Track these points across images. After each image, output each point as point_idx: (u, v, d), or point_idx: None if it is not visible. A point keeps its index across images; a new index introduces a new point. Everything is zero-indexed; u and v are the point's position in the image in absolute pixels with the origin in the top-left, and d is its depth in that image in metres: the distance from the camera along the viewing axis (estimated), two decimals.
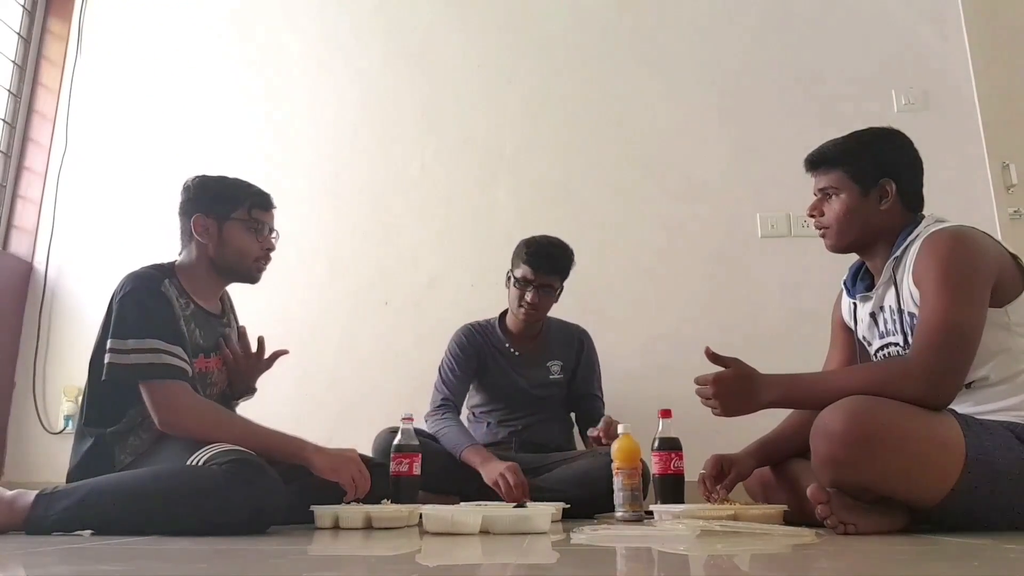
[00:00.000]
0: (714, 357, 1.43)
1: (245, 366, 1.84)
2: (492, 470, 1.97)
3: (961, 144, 2.79)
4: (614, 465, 1.76)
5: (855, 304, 1.58)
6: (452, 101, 3.06)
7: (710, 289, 2.77)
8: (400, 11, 3.18)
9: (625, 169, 2.92)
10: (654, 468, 1.76)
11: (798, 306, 2.69)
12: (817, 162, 1.55)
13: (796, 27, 3.01)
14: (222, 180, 1.76)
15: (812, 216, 1.56)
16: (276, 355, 1.89)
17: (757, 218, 2.80)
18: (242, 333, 1.87)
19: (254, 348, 1.87)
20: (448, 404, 2.27)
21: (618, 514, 1.73)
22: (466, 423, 2.35)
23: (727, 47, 3.02)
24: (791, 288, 2.73)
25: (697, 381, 1.47)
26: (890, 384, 1.29)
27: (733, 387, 1.41)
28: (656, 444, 1.76)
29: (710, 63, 3.00)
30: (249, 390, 1.89)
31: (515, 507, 1.56)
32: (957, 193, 2.65)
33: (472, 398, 2.43)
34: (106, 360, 1.54)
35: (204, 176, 1.76)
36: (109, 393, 1.58)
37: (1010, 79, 2.91)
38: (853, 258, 1.62)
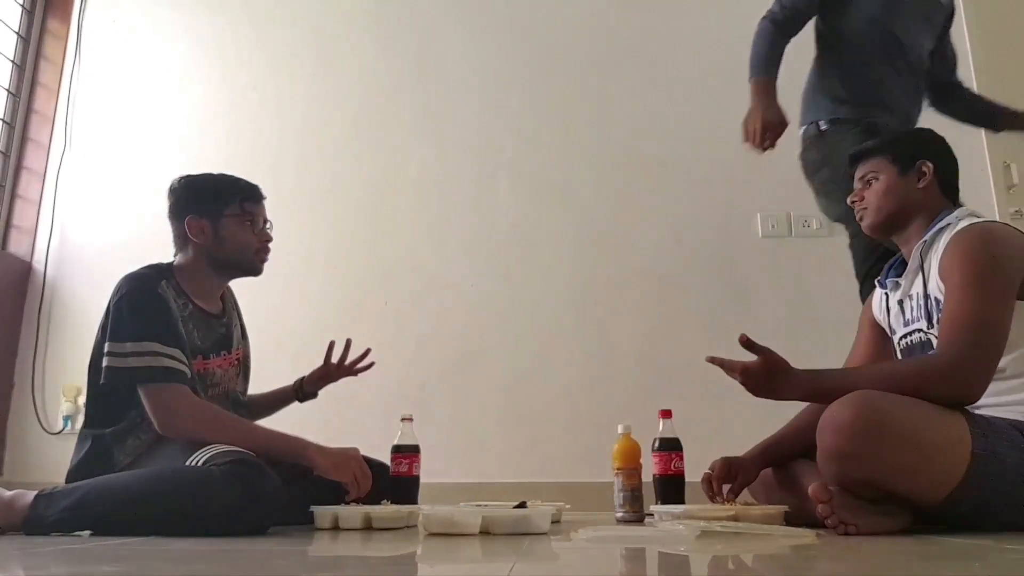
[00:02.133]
0: (748, 344, 1.40)
1: (337, 374, 1.97)
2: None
3: (962, 143, 2.76)
4: (614, 465, 1.76)
5: (887, 295, 1.59)
6: (452, 101, 3.05)
7: (710, 289, 2.76)
8: (400, 11, 3.17)
9: (625, 169, 2.92)
10: (654, 468, 1.75)
11: (798, 306, 2.69)
12: (859, 155, 1.61)
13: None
14: (208, 178, 1.73)
15: (854, 203, 1.60)
16: (358, 369, 1.99)
17: (757, 218, 2.80)
18: (347, 344, 1.96)
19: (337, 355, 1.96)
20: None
21: (618, 514, 1.73)
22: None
23: (727, 47, 3.01)
24: (791, 288, 2.73)
25: (726, 366, 1.43)
26: (919, 382, 1.28)
27: (761, 380, 1.40)
28: (656, 444, 1.76)
29: (710, 63, 3.00)
30: (313, 395, 1.99)
31: (515, 507, 1.56)
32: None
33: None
34: (104, 364, 1.54)
35: (189, 176, 1.73)
36: (109, 395, 1.58)
37: (1011, 78, 2.91)
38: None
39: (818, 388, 1.40)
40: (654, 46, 3.04)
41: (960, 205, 1.53)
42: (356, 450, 1.64)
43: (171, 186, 1.73)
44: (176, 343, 1.57)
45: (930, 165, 1.53)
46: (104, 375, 1.53)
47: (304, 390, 1.97)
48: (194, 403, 1.56)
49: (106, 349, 1.54)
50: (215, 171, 1.78)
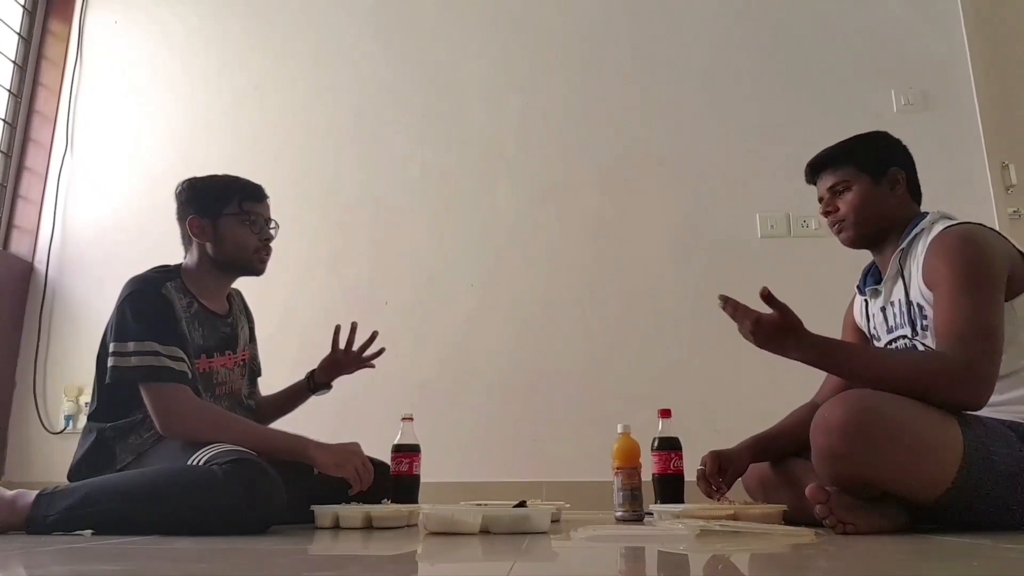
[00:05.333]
0: (768, 297, 1.37)
1: (344, 360, 1.92)
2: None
3: (960, 144, 2.80)
4: (614, 464, 1.76)
5: (867, 301, 1.59)
6: (452, 101, 3.06)
7: (709, 289, 2.74)
8: (400, 11, 3.18)
9: (625, 169, 2.92)
10: (654, 468, 1.76)
11: (797, 306, 2.67)
12: (821, 164, 1.57)
13: (796, 27, 3.01)
14: (210, 179, 1.76)
15: (827, 214, 1.56)
16: (364, 364, 1.96)
17: (757, 218, 2.81)
18: (353, 327, 1.91)
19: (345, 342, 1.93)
20: None
21: (617, 513, 1.74)
22: None
23: (727, 48, 3.02)
24: (790, 288, 2.71)
25: (739, 310, 1.40)
26: (929, 384, 1.27)
27: (772, 333, 1.37)
28: (656, 444, 1.77)
29: (710, 63, 3.01)
30: (327, 386, 1.96)
31: (515, 506, 1.56)
32: (956, 193, 2.65)
33: None
34: (109, 364, 1.56)
35: (192, 178, 1.76)
36: (115, 390, 1.59)
37: (1010, 79, 2.91)
38: (854, 257, 1.63)
39: (826, 356, 1.37)
40: (654, 46, 3.04)
41: (926, 210, 1.52)
42: (357, 445, 1.64)
43: (176, 190, 1.76)
44: (177, 342, 1.58)
45: (903, 172, 1.51)
46: (109, 374, 1.56)
47: (316, 381, 1.95)
48: (195, 403, 1.57)
49: (111, 349, 1.56)
50: (217, 171, 1.80)
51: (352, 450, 1.61)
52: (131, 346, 1.54)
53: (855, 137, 1.57)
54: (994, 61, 2.89)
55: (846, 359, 1.38)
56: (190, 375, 1.59)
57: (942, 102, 2.85)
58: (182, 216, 1.74)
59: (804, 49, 2.99)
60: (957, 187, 2.69)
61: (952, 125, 2.82)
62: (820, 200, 1.58)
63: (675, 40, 3.06)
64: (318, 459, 1.57)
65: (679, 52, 3.04)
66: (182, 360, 1.57)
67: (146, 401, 1.55)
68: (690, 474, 1.74)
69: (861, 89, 2.89)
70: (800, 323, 1.38)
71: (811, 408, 1.59)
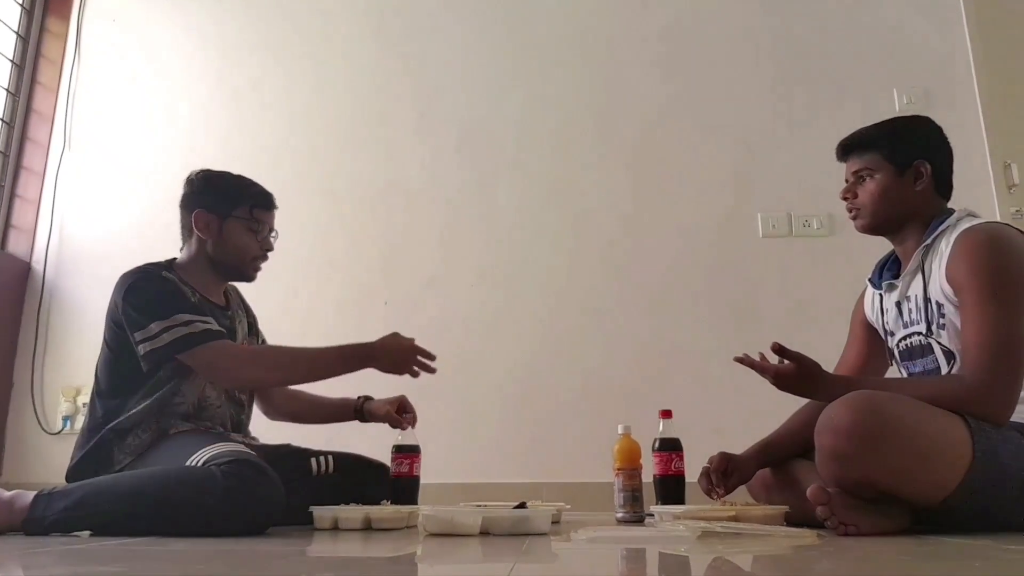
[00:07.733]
0: (781, 351, 1.38)
1: (381, 420, 1.91)
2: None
3: (963, 143, 2.76)
4: (614, 466, 1.76)
5: (881, 296, 1.57)
6: (452, 101, 3.05)
7: (710, 289, 2.76)
8: (400, 9, 3.17)
9: (625, 169, 2.92)
10: (655, 469, 1.75)
11: (798, 306, 2.69)
12: (851, 146, 1.54)
13: (797, 26, 3.01)
14: (226, 176, 1.76)
15: (845, 199, 1.55)
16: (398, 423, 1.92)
17: (757, 218, 2.80)
18: (411, 408, 1.95)
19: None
20: None
21: (618, 515, 1.73)
22: None
23: (727, 48, 3.02)
24: (792, 287, 2.73)
25: (756, 367, 1.41)
26: (953, 406, 1.27)
27: (794, 384, 1.39)
28: (656, 445, 1.76)
29: (710, 63, 3.00)
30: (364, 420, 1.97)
31: (515, 507, 1.56)
32: (959, 193, 2.61)
33: None
34: (141, 353, 1.55)
35: (208, 171, 1.76)
36: (112, 393, 1.59)
37: (1012, 78, 2.91)
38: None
39: (849, 392, 1.35)
40: (655, 45, 3.04)
41: (952, 207, 1.50)
42: (404, 339, 1.70)
43: (189, 176, 1.75)
44: (195, 310, 1.59)
45: (928, 166, 1.47)
46: (145, 361, 1.55)
47: (363, 414, 1.93)
48: (246, 351, 1.61)
49: (137, 339, 1.56)
50: (216, 170, 1.79)
51: (406, 347, 1.67)
52: (156, 327, 1.54)
53: (890, 121, 1.54)
54: (996, 60, 2.88)
55: None
56: (226, 333, 1.60)
57: (944, 101, 2.84)
58: (188, 206, 1.73)
59: (806, 48, 2.99)
60: (959, 186, 2.65)
61: (954, 124, 2.78)
62: (846, 181, 1.56)
63: (676, 40, 3.05)
64: (382, 367, 1.64)
65: (679, 52, 3.04)
66: (211, 321, 1.58)
67: (195, 367, 1.56)
68: (691, 475, 1.73)
69: (863, 88, 2.89)
70: (817, 367, 1.39)
71: (816, 407, 1.58)
